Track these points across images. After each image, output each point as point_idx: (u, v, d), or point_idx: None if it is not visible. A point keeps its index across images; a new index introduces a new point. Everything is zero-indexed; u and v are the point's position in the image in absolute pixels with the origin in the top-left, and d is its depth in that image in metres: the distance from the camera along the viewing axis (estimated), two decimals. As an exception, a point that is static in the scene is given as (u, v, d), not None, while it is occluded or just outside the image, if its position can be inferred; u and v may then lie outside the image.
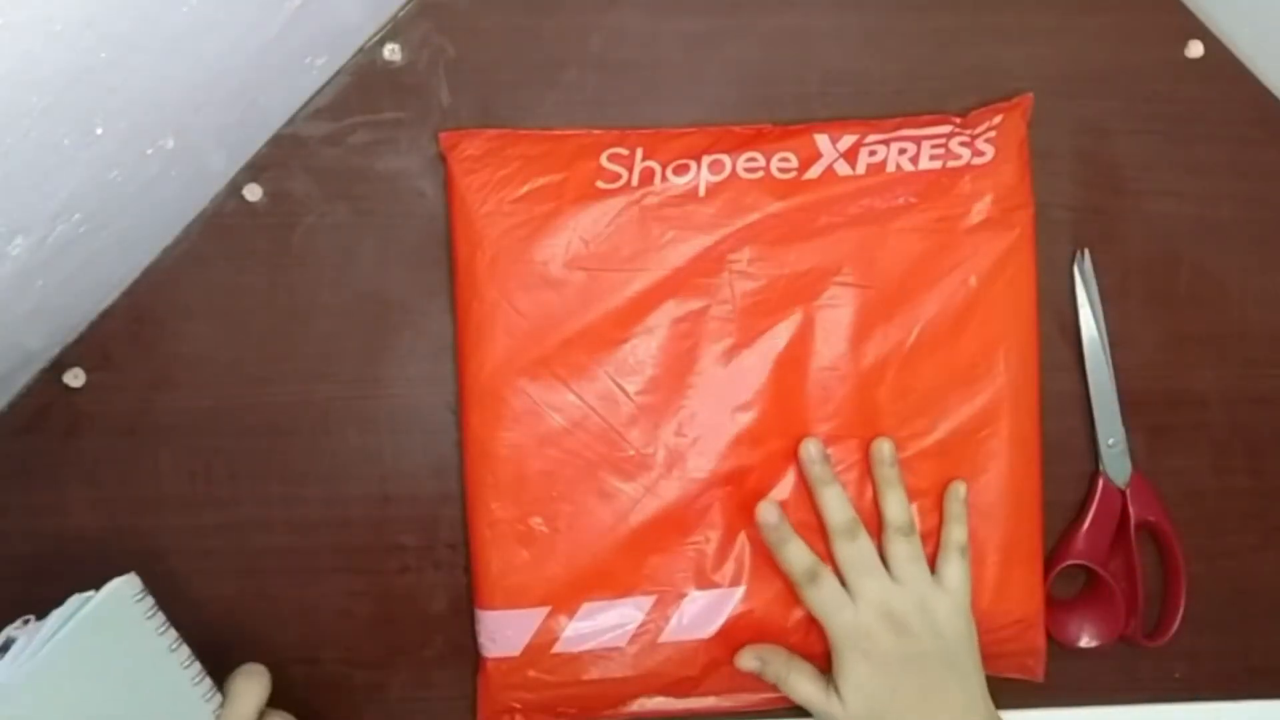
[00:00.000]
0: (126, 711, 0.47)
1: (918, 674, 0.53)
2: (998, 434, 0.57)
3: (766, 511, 0.55)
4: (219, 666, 0.51)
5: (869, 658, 0.53)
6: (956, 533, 0.55)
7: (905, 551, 0.54)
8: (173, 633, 0.49)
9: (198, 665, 0.50)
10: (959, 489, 0.56)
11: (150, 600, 0.49)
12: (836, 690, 0.54)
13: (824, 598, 0.54)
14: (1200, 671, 0.62)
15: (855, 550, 0.54)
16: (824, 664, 0.56)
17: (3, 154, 0.39)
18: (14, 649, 0.46)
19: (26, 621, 0.48)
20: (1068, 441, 0.61)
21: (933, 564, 0.56)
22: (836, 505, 0.55)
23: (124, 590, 0.48)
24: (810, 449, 0.55)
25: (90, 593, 0.48)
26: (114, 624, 0.48)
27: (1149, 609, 0.61)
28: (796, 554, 0.55)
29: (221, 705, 0.49)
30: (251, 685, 0.50)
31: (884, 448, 0.55)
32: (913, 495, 0.57)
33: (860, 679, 0.54)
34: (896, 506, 0.55)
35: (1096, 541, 0.60)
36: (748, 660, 0.56)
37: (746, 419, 0.57)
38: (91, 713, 0.46)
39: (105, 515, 0.58)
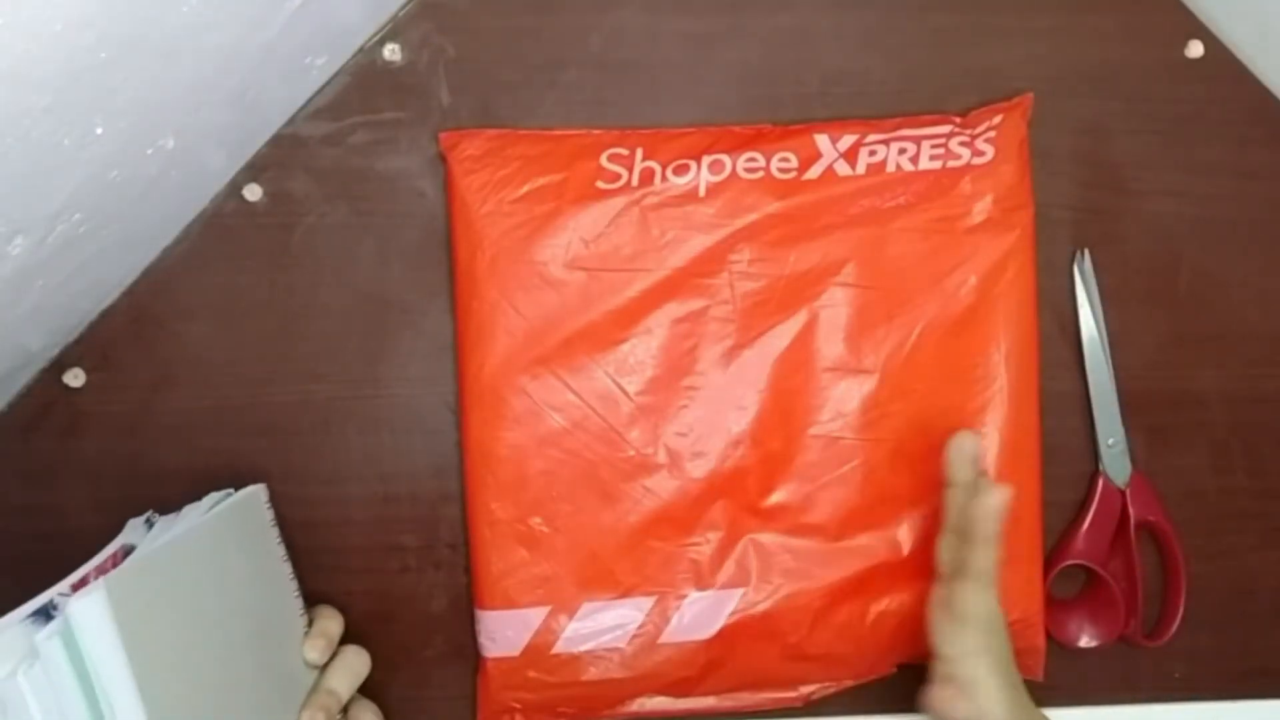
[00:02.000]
0: (245, 598, 0.50)
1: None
2: (997, 434, 0.57)
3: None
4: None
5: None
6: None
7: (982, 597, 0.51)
8: (284, 547, 0.54)
9: (297, 582, 0.55)
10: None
11: (272, 512, 0.54)
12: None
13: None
14: (1200, 671, 0.62)
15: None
16: (818, 666, 0.56)
17: (3, 154, 0.39)
18: (155, 528, 0.50)
19: (149, 519, 0.54)
20: (1068, 441, 0.61)
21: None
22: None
23: (258, 495, 0.54)
24: (965, 443, 0.53)
25: (229, 490, 0.53)
26: (246, 521, 0.53)
27: (1149, 609, 0.61)
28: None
29: (310, 624, 0.54)
30: (336, 615, 0.55)
31: (995, 503, 0.51)
32: (916, 496, 0.57)
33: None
34: (985, 560, 0.51)
35: (1096, 541, 0.60)
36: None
37: (746, 419, 0.57)
38: (217, 591, 0.49)
39: (105, 515, 0.58)
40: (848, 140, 0.57)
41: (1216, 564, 0.62)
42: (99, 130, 0.44)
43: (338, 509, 0.59)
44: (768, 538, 0.57)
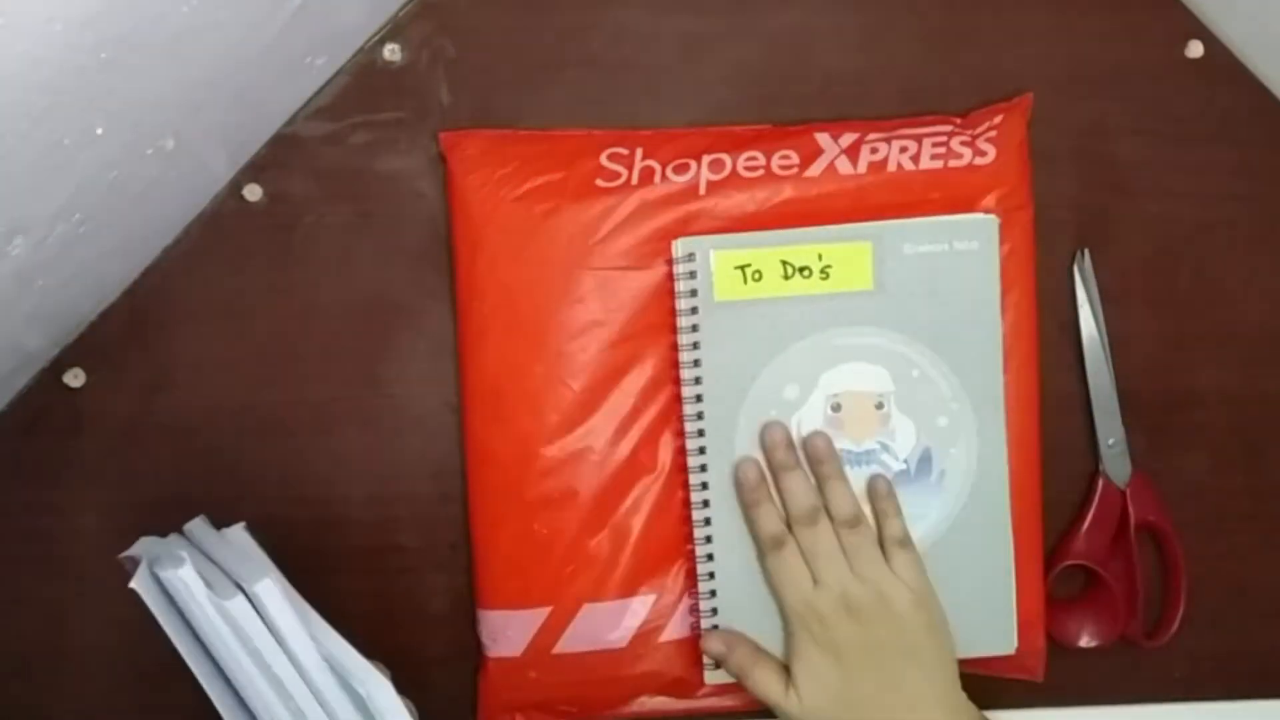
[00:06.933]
0: None
1: (874, 666, 0.52)
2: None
3: (746, 469, 0.54)
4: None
5: (819, 644, 0.52)
6: (891, 527, 0.54)
7: (854, 542, 0.53)
8: None
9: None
10: (880, 484, 0.55)
11: None
12: (794, 680, 0.53)
13: (787, 567, 0.53)
14: (1200, 671, 0.62)
15: (815, 536, 0.53)
16: None
17: (3, 154, 0.39)
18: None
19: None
20: (1068, 441, 0.61)
21: None
22: (800, 491, 0.54)
23: None
24: (776, 433, 0.54)
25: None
26: None
27: (1149, 609, 0.61)
28: (768, 518, 0.54)
29: None
30: None
31: (819, 444, 0.54)
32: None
33: (813, 664, 0.52)
34: (840, 499, 0.54)
35: (1096, 541, 0.60)
36: (714, 644, 0.55)
37: (747, 419, 0.57)
38: None
39: (105, 515, 0.58)
40: (849, 138, 0.57)
41: (1216, 564, 0.62)
42: (99, 130, 0.44)
43: (338, 509, 0.59)
44: (768, 538, 0.57)
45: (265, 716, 0.46)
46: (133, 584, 0.46)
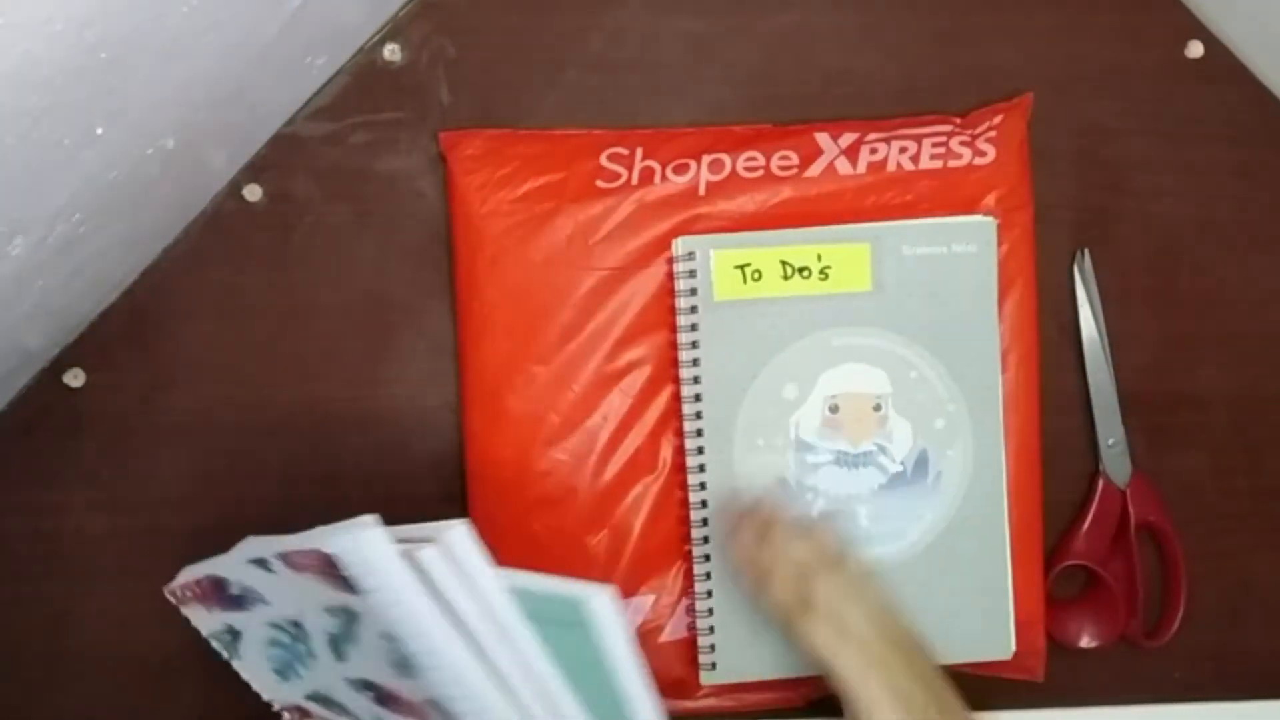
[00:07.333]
0: None
1: (848, 607, 0.50)
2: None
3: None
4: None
5: (808, 613, 0.51)
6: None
7: (767, 528, 0.52)
8: None
9: None
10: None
11: None
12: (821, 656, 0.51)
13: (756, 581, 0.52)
14: (1200, 671, 0.62)
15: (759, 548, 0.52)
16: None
17: (3, 154, 0.39)
18: None
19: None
20: (1068, 441, 0.61)
21: None
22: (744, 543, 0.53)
23: None
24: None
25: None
26: None
27: (1149, 609, 0.61)
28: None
29: None
30: None
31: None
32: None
33: (816, 631, 0.51)
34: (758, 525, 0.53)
35: (1096, 541, 0.60)
36: None
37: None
38: None
39: (105, 515, 0.58)
40: (848, 138, 0.57)
41: (1216, 564, 0.62)
42: (99, 130, 0.44)
43: (338, 510, 0.59)
44: (768, 538, 0.57)
45: (449, 674, 0.43)
46: (328, 550, 0.44)
